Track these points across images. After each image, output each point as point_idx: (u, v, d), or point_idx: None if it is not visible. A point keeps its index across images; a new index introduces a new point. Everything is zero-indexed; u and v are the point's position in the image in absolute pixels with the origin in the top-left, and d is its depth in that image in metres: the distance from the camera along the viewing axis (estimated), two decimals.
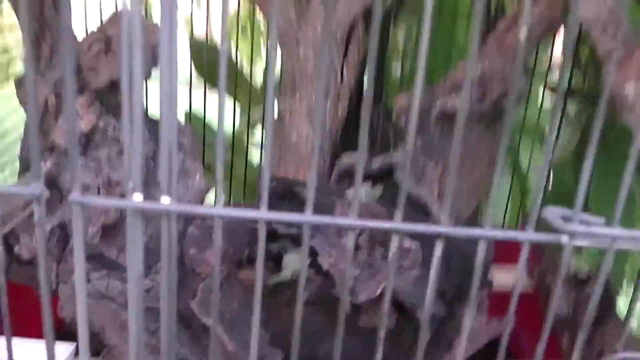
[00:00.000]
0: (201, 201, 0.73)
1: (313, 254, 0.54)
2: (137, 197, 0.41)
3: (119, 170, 0.79)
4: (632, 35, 0.82)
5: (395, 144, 0.98)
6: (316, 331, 0.63)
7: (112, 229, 0.76)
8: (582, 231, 0.40)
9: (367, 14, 1.17)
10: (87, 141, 0.79)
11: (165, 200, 0.41)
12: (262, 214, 0.41)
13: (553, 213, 0.41)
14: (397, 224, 0.41)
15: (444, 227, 0.41)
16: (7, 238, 0.83)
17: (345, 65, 1.11)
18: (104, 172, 0.79)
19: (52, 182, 0.80)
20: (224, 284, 0.60)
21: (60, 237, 0.81)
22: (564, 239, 0.41)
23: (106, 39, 0.73)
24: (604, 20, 0.84)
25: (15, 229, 0.79)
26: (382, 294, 0.57)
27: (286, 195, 0.56)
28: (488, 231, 0.42)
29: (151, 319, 0.51)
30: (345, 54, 1.11)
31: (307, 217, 0.41)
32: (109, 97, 0.77)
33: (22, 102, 0.95)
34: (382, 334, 0.42)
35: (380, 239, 0.55)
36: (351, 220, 0.40)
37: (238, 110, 1.46)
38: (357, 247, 0.56)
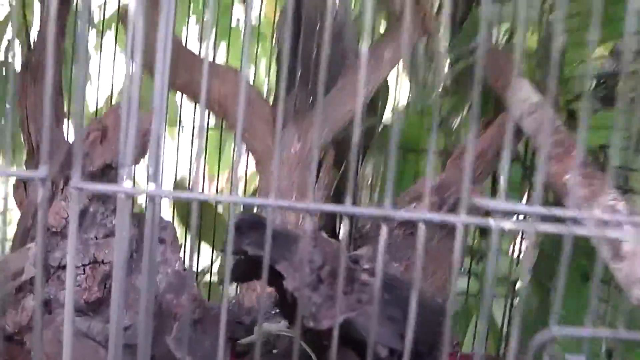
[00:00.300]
0: (182, 286, 0.78)
1: (279, 276, 0.59)
2: (128, 184, 0.48)
3: (103, 251, 0.85)
4: (568, 138, 0.94)
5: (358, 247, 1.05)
6: None
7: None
8: (505, 208, 0.47)
9: (337, 146, 1.31)
10: (78, 224, 0.86)
11: (151, 186, 0.48)
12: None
13: (482, 201, 0.48)
14: (347, 207, 0.48)
15: (389, 210, 0.48)
16: None
17: (316, 187, 1.22)
18: (90, 253, 0.85)
19: (42, 264, 0.85)
20: (197, 324, 0.64)
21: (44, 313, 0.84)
22: (492, 221, 0.48)
23: (103, 128, 0.83)
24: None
25: (2, 301, 0.83)
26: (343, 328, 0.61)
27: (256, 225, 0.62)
28: (426, 214, 0.49)
29: (127, 354, 0.54)
30: (317, 177, 1.22)
31: (270, 201, 0.48)
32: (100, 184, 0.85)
33: (18, 202, 1.03)
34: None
35: (342, 273, 0.60)
36: (309, 205, 0.47)
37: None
38: (319, 280, 0.61)
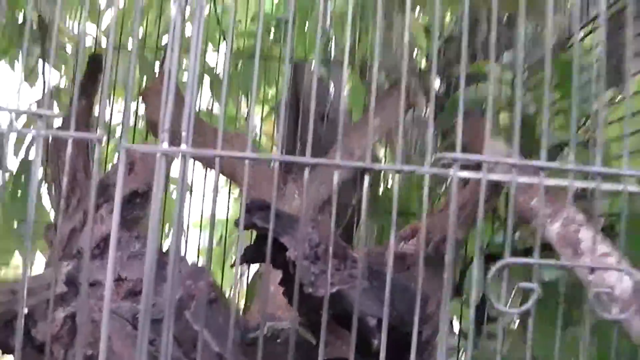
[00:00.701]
0: (199, 274, 0.88)
1: (283, 249, 0.70)
2: (165, 145, 0.61)
3: (127, 270, 0.96)
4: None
5: None
6: None
7: None
8: (461, 157, 0.60)
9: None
10: (104, 247, 0.97)
11: (183, 146, 0.61)
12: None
13: (443, 154, 0.61)
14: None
15: (368, 164, 0.61)
16: (27, 320, 0.95)
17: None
18: (116, 271, 0.96)
19: (71, 281, 0.96)
20: (213, 303, 0.73)
21: (71, 328, 0.94)
22: (452, 171, 0.61)
23: (130, 163, 0.97)
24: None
25: (33, 313, 0.92)
26: (335, 300, 0.72)
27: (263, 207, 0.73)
28: (400, 166, 0.62)
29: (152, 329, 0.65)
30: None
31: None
32: (126, 210, 0.97)
33: (49, 242, 1.15)
34: None
35: (335, 251, 0.71)
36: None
37: None
38: (316, 256, 0.71)
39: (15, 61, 1.97)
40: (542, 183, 0.61)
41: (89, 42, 1.62)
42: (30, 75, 1.75)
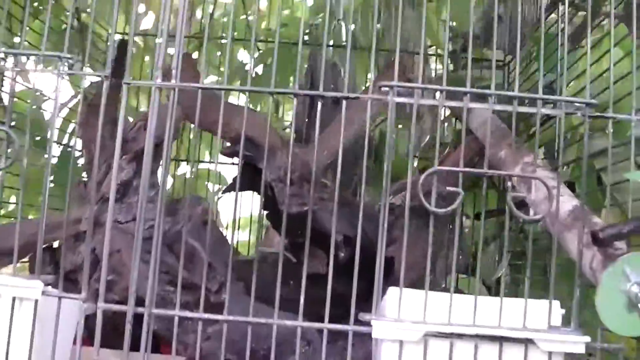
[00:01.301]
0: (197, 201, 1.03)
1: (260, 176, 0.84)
2: (159, 80, 0.76)
3: (145, 212, 1.10)
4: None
5: None
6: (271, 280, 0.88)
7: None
8: (396, 84, 0.73)
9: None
10: (124, 192, 1.13)
11: (174, 81, 0.76)
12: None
13: (382, 82, 0.74)
14: None
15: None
16: (55, 251, 1.11)
17: None
18: (133, 212, 1.11)
19: (96, 221, 1.11)
20: (206, 224, 0.87)
21: (93, 260, 1.09)
22: (389, 97, 0.74)
23: (145, 118, 1.11)
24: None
25: (61, 246, 1.08)
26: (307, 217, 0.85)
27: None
28: (347, 94, 0.75)
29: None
30: None
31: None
32: (141, 161, 1.12)
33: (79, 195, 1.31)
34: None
35: (307, 178, 0.84)
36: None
37: None
38: (291, 182, 0.84)
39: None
40: (466, 106, 0.73)
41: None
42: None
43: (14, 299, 0.75)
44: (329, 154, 1.47)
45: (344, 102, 0.79)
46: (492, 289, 1.44)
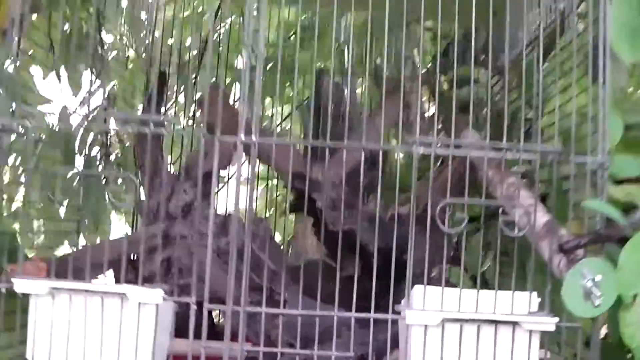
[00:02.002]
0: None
1: (313, 203, 1.11)
2: (242, 137, 1.02)
3: (201, 225, 1.37)
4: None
5: None
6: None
7: None
8: (418, 139, 1.01)
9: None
10: (187, 211, 1.39)
11: (254, 137, 1.02)
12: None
13: (407, 139, 1.02)
14: None
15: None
16: (135, 261, 1.37)
17: None
18: (195, 226, 1.37)
19: (165, 235, 1.38)
20: (269, 240, 1.14)
21: (165, 267, 1.36)
22: (414, 147, 1.01)
23: (206, 151, 1.38)
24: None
25: (139, 257, 1.34)
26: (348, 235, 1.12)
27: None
28: (381, 146, 1.02)
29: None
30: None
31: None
32: (203, 186, 1.39)
33: (141, 212, 1.57)
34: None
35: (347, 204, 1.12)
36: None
37: None
38: (334, 206, 1.12)
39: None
40: (468, 155, 1.01)
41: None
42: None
43: (139, 304, 1.01)
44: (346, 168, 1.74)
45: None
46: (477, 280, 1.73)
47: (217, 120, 1.46)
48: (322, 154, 1.29)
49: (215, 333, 1.32)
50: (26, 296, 1.04)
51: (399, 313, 1.03)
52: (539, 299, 1.05)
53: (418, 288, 1.02)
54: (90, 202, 1.42)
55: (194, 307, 1.03)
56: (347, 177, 1.65)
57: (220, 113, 1.45)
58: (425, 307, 1.00)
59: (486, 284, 1.12)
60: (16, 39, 1.18)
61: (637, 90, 1.88)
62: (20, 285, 1.01)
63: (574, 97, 1.15)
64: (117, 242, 1.35)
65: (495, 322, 1.01)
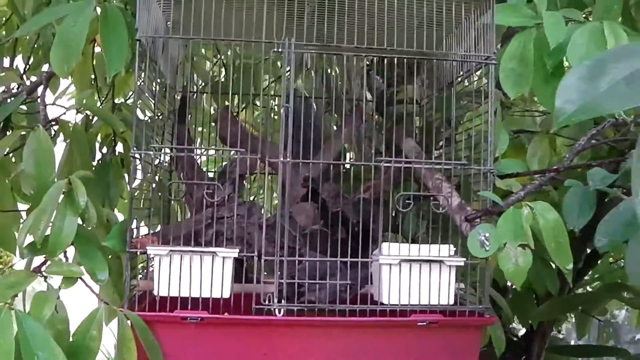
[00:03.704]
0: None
1: (318, 194, 1.81)
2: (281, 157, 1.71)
3: (237, 210, 2.06)
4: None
5: None
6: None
7: None
8: (383, 159, 1.73)
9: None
10: (226, 201, 2.07)
11: (288, 158, 1.72)
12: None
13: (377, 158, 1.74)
14: None
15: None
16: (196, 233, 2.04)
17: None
18: (232, 210, 2.06)
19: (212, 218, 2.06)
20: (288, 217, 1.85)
21: (216, 237, 2.04)
22: (378, 161, 1.74)
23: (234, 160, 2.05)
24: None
25: (199, 231, 2.02)
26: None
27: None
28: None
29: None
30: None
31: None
32: (234, 185, 2.07)
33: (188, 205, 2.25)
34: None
35: (339, 194, 1.83)
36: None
37: None
38: (333, 197, 1.83)
39: None
40: (402, 165, 1.74)
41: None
42: None
43: (223, 258, 1.70)
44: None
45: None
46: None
47: (227, 134, 2.16)
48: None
49: (247, 279, 2.01)
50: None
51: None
52: (455, 248, 1.80)
53: (385, 244, 1.75)
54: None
55: (256, 258, 1.72)
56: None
57: (230, 128, 2.15)
58: (390, 253, 1.74)
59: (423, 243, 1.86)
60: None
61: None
62: (152, 250, 1.68)
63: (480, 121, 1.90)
64: (187, 221, 2.02)
65: (430, 261, 1.75)
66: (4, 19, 3.36)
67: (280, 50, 1.74)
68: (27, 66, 3.15)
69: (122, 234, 1.73)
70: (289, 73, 1.76)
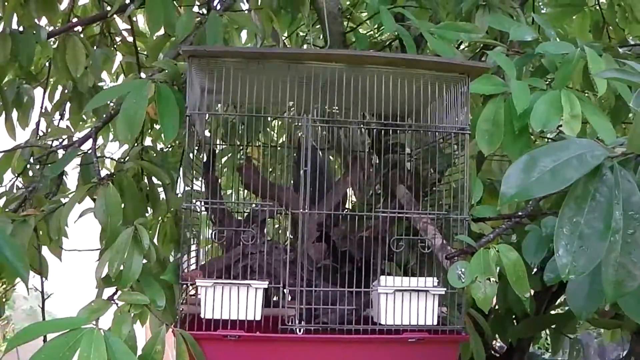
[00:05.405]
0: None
1: (329, 239, 2.27)
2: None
3: (261, 248, 2.53)
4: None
5: None
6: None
7: None
8: (381, 209, 2.20)
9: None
10: (254, 241, 2.54)
11: (306, 210, 2.18)
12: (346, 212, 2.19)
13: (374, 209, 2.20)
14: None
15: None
16: (228, 267, 2.50)
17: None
18: (257, 247, 2.53)
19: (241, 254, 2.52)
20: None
21: (245, 270, 2.51)
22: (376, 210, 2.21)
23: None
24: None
25: (230, 265, 2.48)
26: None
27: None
28: (357, 213, 2.21)
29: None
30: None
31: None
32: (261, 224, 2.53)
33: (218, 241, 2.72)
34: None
35: (345, 237, 2.29)
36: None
37: None
38: (341, 238, 2.28)
39: None
40: (396, 214, 2.20)
41: None
42: None
43: (256, 289, 2.16)
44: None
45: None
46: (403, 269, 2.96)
47: (250, 183, 2.64)
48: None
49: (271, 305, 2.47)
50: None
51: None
52: (438, 280, 2.27)
53: (382, 277, 2.23)
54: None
55: (281, 290, 2.19)
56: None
57: (253, 177, 2.62)
58: (386, 284, 2.21)
59: (413, 274, 2.33)
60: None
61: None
62: (200, 282, 2.15)
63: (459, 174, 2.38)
64: (223, 257, 2.48)
65: (418, 291, 2.22)
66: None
67: (300, 124, 2.21)
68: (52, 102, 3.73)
69: (175, 269, 2.19)
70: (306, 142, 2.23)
